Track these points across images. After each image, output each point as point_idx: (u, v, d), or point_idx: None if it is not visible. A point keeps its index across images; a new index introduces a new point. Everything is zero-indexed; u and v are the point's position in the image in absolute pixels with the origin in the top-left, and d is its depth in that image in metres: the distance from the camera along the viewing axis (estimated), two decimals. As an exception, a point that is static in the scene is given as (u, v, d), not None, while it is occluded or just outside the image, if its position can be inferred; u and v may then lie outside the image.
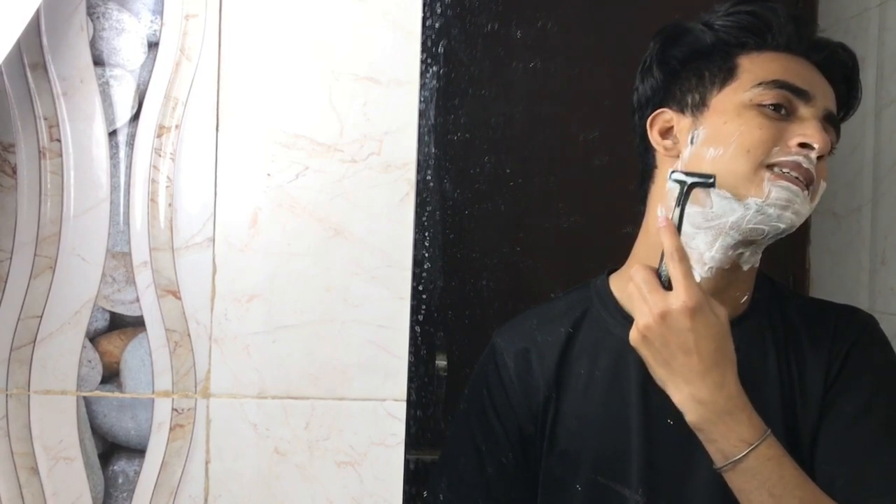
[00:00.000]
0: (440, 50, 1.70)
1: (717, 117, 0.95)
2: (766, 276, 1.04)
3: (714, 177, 0.91)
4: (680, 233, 0.89)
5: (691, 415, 0.86)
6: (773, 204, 0.90)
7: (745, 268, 0.96)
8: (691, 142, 0.96)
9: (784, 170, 0.91)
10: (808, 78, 0.95)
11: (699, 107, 0.97)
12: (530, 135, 1.79)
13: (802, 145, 0.91)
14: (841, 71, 0.99)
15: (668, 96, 1.00)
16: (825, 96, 0.96)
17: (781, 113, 0.93)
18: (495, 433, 1.03)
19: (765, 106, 0.93)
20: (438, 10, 1.67)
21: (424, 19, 0.89)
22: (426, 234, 1.75)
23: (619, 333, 1.00)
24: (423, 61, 0.89)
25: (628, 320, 1.01)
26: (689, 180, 0.91)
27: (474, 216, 1.79)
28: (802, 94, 0.93)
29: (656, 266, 0.90)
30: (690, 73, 0.99)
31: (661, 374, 0.87)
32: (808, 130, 0.92)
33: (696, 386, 0.85)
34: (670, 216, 0.90)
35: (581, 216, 1.76)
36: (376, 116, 0.89)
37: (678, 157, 0.97)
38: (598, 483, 0.98)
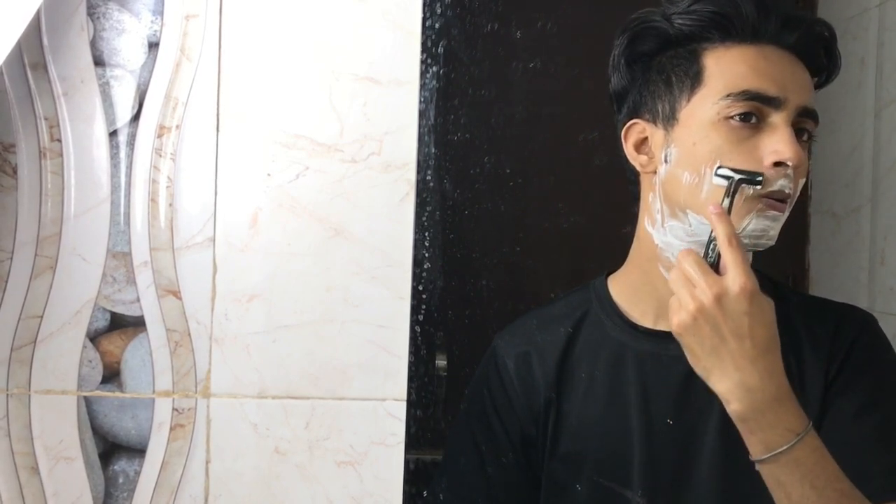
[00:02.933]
0: (440, 50, 1.70)
1: (687, 136, 0.92)
2: (766, 276, 1.04)
3: (762, 175, 0.88)
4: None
5: (739, 403, 0.82)
6: (747, 235, 0.89)
7: (772, 244, 0.95)
8: (665, 160, 0.94)
9: (770, 200, 0.89)
10: (779, 75, 0.91)
11: (670, 119, 0.94)
12: (530, 135, 1.79)
13: (778, 164, 0.89)
14: (818, 45, 0.95)
15: (640, 103, 0.98)
16: (798, 91, 0.91)
17: (752, 121, 0.90)
18: (496, 435, 1.03)
19: (733, 117, 0.90)
20: (438, 11, 1.67)
21: (424, 19, 0.89)
22: (426, 234, 1.75)
23: (617, 336, 1.00)
24: (423, 61, 0.89)
25: (625, 322, 1.01)
26: (736, 177, 0.88)
27: (474, 216, 1.79)
28: (772, 102, 0.90)
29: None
30: (658, 77, 0.96)
31: (707, 363, 0.83)
32: (780, 145, 0.89)
33: (746, 372, 0.81)
34: (721, 203, 0.87)
35: (581, 216, 1.76)
36: (376, 116, 0.89)
37: (655, 172, 0.96)
38: (599, 485, 0.98)
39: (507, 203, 1.80)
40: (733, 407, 0.83)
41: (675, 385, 0.96)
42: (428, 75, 1.74)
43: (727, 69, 0.92)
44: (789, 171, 0.89)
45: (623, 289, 1.03)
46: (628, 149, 0.99)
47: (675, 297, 0.85)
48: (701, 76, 0.93)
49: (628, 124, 0.99)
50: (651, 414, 0.97)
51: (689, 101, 0.93)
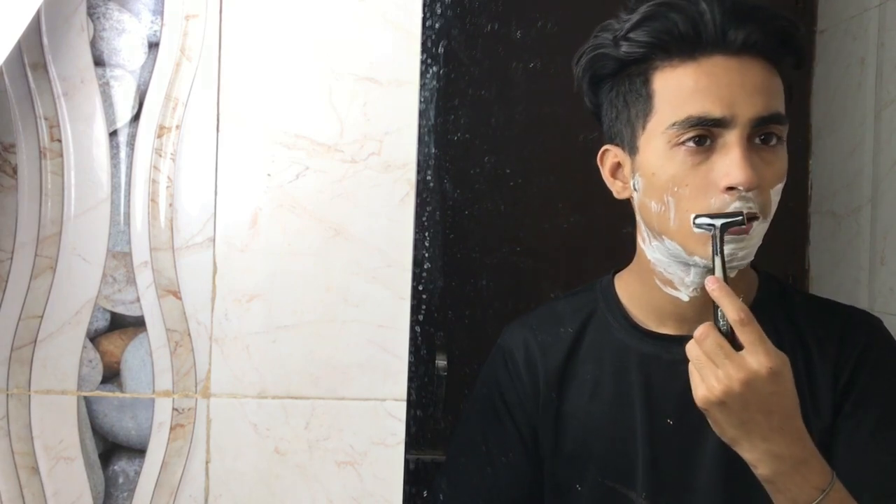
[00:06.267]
0: (440, 50, 1.70)
1: (647, 165, 0.91)
2: (771, 276, 1.03)
3: (742, 214, 0.87)
4: (725, 279, 0.85)
5: (766, 469, 0.84)
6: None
7: (733, 274, 0.94)
8: (635, 188, 0.94)
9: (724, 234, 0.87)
10: (725, 91, 0.88)
11: (633, 148, 0.93)
12: (530, 135, 1.79)
13: (730, 188, 0.87)
14: (771, 39, 0.90)
15: (610, 129, 0.98)
16: (750, 102, 0.88)
17: (705, 144, 0.88)
18: (505, 429, 1.03)
19: (684, 143, 0.88)
20: (438, 11, 1.67)
21: (424, 20, 0.89)
22: (426, 234, 1.75)
23: (622, 337, 1.00)
24: (423, 62, 0.89)
25: (630, 324, 1.01)
26: (719, 223, 0.87)
27: (474, 216, 1.79)
28: (719, 123, 0.87)
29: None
30: (618, 102, 0.95)
31: (734, 435, 0.84)
32: (730, 168, 0.87)
33: (773, 442, 0.83)
34: (715, 272, 0.86)
35: (581, 216, 1.76)
36: (376, 116, 0.89)
37: (631, 198, 0.96)
38: (603, 485, 0.98)
39: (507, 203, 1.80)
40: (761, 471, 0.85)
41: (677, 387, 0.96)
42: (428, 75, 1.74)
43: (671, 94, 0.90)
44: (746, 193, 0.87)
45: (627, 291, 1.03)
46: (605, 174, 0.99)
47: (694, 370, 0.85)
48: (651, 102, 0.91)
49: (602, 150, 0.99)
50: (654, 415, 0.97)
51: (644, 129, 0.92)
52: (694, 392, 0.85)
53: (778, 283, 1.03)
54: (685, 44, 0.89)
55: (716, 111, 0.87)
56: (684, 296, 0.94)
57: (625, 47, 0.92)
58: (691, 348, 0.85)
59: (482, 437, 1.04)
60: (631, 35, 0.91)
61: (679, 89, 0.89)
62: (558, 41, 1.75)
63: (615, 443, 0.98)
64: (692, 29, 0.89)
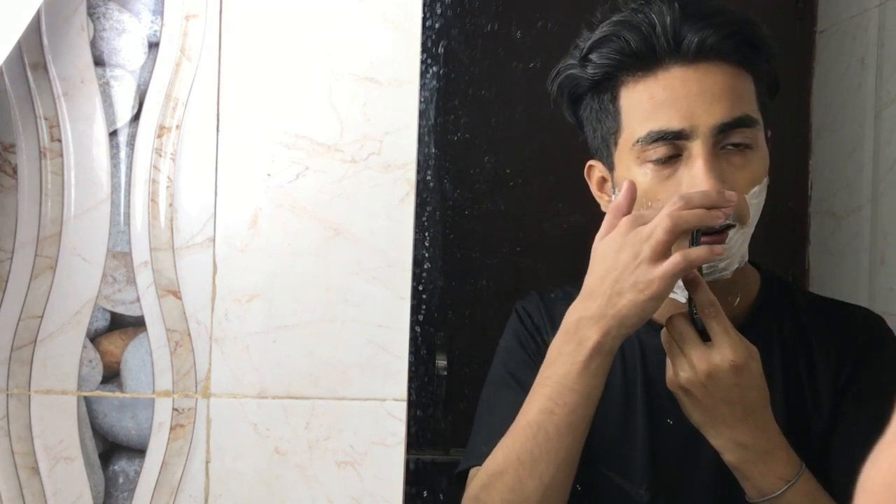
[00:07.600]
0: (440, 50, 1.70)
1: (623, 180, 0.91)
2: (774, 275, 1.03)
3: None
4: (700, 272, 0.85)
5: (731, 455, 0.85)
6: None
7: (728, 275, 0.94)
8: None
9: (700, 238, 0.86)
10: (683, 102, 0.87)
11: (611, 164, 0.94)
12: (530, 135, 1.79)
13: None
14: (728, 43, 0.88)
15: (592, 146, 0.98)
16: (710, 110, 0.87)
17: (673, 157, 0.88)
18: (532, 367, 1.02)
19: (651, 158, 0.88)
20: (438, 11, 1.67)
21: (424, 19, 0.89)
22: (426, 234, 1.75)
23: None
24: (423, 61, 0.89)
25: None
26: None
27: (474, 216, 1.79)
28: (681, 135, 0.87)
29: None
30: (594, 119, 0.96)
31: (699, 419, 0.86)
32: (695, 180, 0.86)
33: (737, 431, 0.84)
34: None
35: (581, 216, 1.76)
36: (376, 116, 0.89)
37: None
38: (604, 476, 0.98)
39: (507, 203, 1.80)
40: (727, 457, 0.86)
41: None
42: (428, 75, 1.74)
43: (634, 110, 0.90)
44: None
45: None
46: (592, 189, 1.00)
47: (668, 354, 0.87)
48: (619, 119, 0.92)
49: (587, 165, 0.99)
50: (654, 413, 0.97)
51: (616, 146, 0.93)
52: (667, 374, 0.87)
53: (781, 281, 1.03)
54: (641, 60, 0.89)
55: (675, 124, 0.87)
56: (681, 297, 0.94)
57: (589, 68, 0.93)
58: (663, 333, 0.88)
59: (508, 384, 1.02)
60: (590, 57, 0.92)
61: (640, 105, 0.90)
62: (558, 41, 1.74)
63: (616, 438, 0.98)
64: (644, 45, 0.89)
